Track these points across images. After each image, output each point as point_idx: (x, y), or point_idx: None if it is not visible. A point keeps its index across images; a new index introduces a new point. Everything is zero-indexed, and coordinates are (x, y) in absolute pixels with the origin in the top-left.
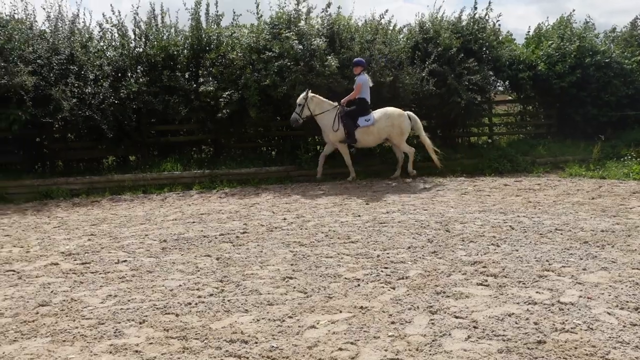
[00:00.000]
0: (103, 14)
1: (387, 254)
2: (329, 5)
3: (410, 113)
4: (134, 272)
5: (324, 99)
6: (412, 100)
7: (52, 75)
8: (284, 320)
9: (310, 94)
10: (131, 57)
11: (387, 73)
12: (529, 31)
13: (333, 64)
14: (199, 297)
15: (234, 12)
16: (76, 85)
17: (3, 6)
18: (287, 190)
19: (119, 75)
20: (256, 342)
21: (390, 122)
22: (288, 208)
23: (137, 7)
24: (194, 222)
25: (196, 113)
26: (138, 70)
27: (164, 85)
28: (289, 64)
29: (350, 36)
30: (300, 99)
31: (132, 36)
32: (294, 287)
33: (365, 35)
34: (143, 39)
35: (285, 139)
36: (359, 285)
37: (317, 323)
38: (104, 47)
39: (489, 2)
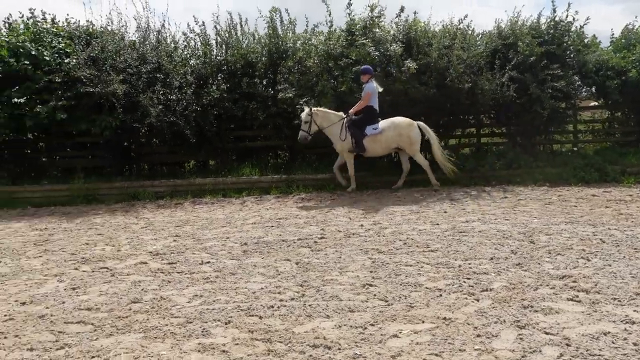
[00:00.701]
0: (188, 24)
1: (469, 264)
2: (402, 10)
3: (421, 123)
4: (218, 274)
5: (329, 111)
6: (491, 106)
7: (140, 83)
8: (366, 328)
9: (314, 109)
10: (212, 65)
11: (465, 79)
12: (613, 34)
13: (412, 65)
14: (281, 300)
15: (307, 18)
16: (162, 92)
17: (100, 18)
18: (362, 196)
19: (201, 82)
20: (339, 349)
21: (397, 131)
22: (364, 214)
23: (217, 17)
24: (272, 226)
25: (273, 119)
26: (219, 78)
27: (243, 92)
28: None
29: (427, 42)
30: (305, 116)
31: (214, 44)
32: (375, 295)
33: (443, 40)
34: (224, 47)
35: None
36: (440, 295)
37: (400, 332)
38: (188, 56)
39: (569, 4)
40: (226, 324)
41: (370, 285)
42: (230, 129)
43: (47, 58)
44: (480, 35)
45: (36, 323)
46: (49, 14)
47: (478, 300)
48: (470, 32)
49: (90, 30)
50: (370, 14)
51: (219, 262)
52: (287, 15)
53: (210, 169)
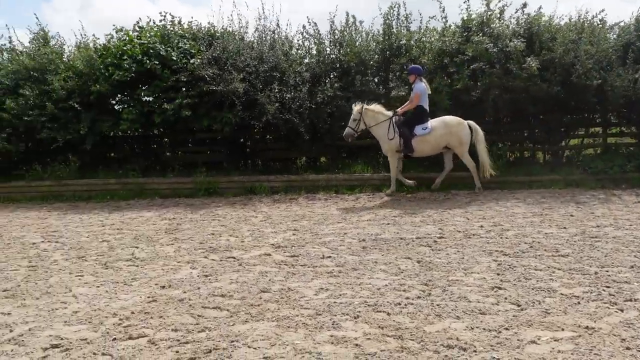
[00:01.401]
0: (303, 26)
1: (607, 271)
2: (524, 5)
3: (472, 122)
4: (340, 269)
5: (378, 110)
6: (622, 104)
7: (258, 82)
8: (500, 332)
9: (365, 107)
10: (326, 64)
11: (593, 75)
12: None
13: (533, 64)
14: (407, 298)
15: (420, 14)
16: (278, 90)
17: (221, 20)
18: (478, 196)
19: (315, 81)
20: (475, 351)
21: (448, 130)
22: (483, 215)
23: (334, 16)
24: (388, 223)
25: None
26: (331, 76)
27: (356, 90)
28: (483, 66)
29: (551, 36)
30: (355, 113)
31: (327, 43)
32: (505, 298)
33: (569, 34)
34: (337, 46)
35: None
36: (579, 303)
37: (538, 339)
38: (302, 55)
39: None
40: (355, 318)
41: (499, 288)
42: (342, 126)
43: (174, 58)
44: (612, 28)
45: (177, 306)
46: (176, 17)
47: (622, 311)
48: (599, 25)
49: (212, 31)
50: (487, 9)
51: (339, 257)
52: (404, 10)
53: (321, 166)
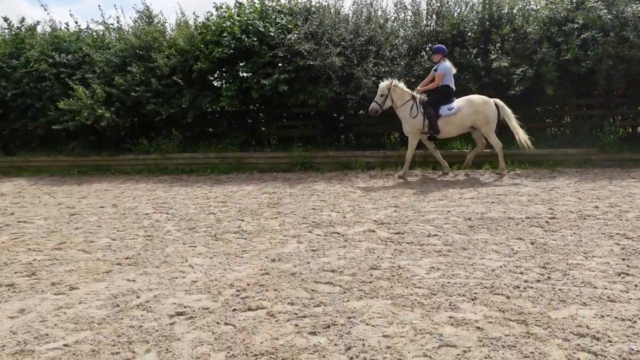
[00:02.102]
0: None
1: None
2: None
3: (498, 100)
4: (449, 248)
5: (405, 89)
6: None
7: (354, 55)
8: (635, 322)
9: (395, 83)
10: (422, 35)
11: None
12: None
13: None
14: (525, 281)
15: None
16: (374, 64)
17: None
18: (589, 175)
19: (411, 53)
20: (609, 341)
21: (473, 109)
22: (596, 195)
23: None
24: (492, 202)
25: (485, 90)
26: (428, 48)
27: (454, 62)
28: (595, 35)
29: None
30: (383, 88)
31: (424, 14)
32: (636, 286)
33: None
34: (434, 17)
35: (583, 118)
36: None
37: None
38: (397, 27)
39: None
40: (472, 300)
41: (627, 275)
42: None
43: (272, 34)
44: None
45: (290, 280)
46: None
47: None
48: None
49: (309, 6)
50: None
51: (446, 235)
52: None
53: None
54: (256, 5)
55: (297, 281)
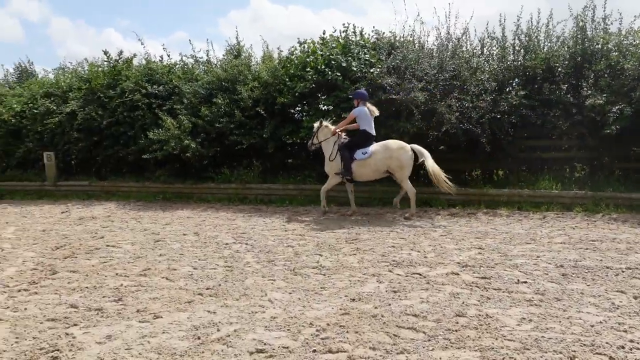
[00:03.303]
0: (486, 29)
1: None
2: None
3: (415, 146)
4: (541, 297)
5: (332, 128)
6: None
7: (437, 90)
8: None
9: (324, 123)
10: (509, 70)
11: None
12: None
13: None
14: (631, 341)
15: (620, 13)
16: (458, 99)
17: (403, 28)
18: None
19: (497, 89)
20: None
21: (388, 154)
22: None
23: (519, 19)
24: (587, 248)
25: (575, 128)
26: (514, 84)
27: (543, 98)
28: None
29: None
30: (315, 127)
31: (510, 48)
32: None
33: None
34: (522, 52)
35: None
36: None
37: None
38: (483, 62)
39: None
40: (570, 358)
41: None
42: (525, 137)
43: (354, 68)
44: None
45: (371, 322)
46: (358, 27)
47: None
48: None
49: (392, 40)
50: None
51: (537, 283)
52: (603, 10)
53: (499, 180)
54: (339, 40)
55: (378, 324)
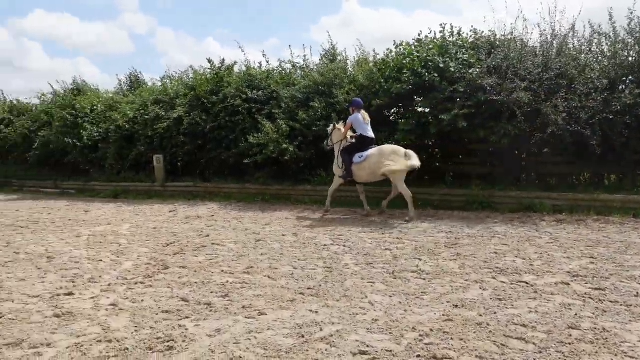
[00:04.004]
0: (592, 24)
1: None
2: None
3: (409, 151)
4: None
5: (342, 131)
6: None
7: (542, 90)
8: None
9: (337, 126)
10: (623, 67)
11: None
12: None
13: None
14: None
15: None
16: (564, 99)
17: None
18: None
19: (608, 87)
20: None
21: (381, 158)
22: None
23: (632, 13)
24: None
25: None
26: (628, 82)
27: None
28: None
29: None
30: (330, 128)
31: (623, 45)
32: None
33: None
34: (637, 47)
35: None
36: None
37: None
38: (592, 59)
39: None
40: None
41: None
42: (638, 139)
43: (452, 69)
44: None
45: (476, 330)
46: (455, 27)
47: None
48: None
49: (492, 39)
50: None
51: None
52: None
53: (611, 184)
54: (436, 41)
55: (484, 333)
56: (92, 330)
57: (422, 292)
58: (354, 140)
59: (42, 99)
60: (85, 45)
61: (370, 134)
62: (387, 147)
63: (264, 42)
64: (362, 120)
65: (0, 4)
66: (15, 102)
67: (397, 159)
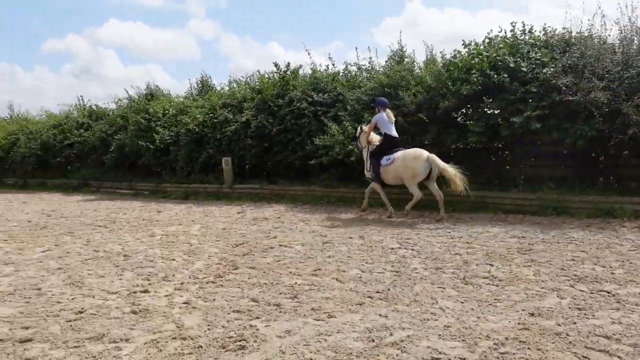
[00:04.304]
0: None
1: None
2: None
3: (432, 156)
4: None
5: (367, 134)
6: None
7: (622, 90)
8: None
9: (364, 129)
10: None
11: None
12: None
13: None
14: None
15: None
16: None
17: (580, 24)
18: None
19: None
20: None
21: (404, 163)
22: None
23: None
24: None
25: None
26: None
27: None
28: None
29: None
30: (357, 132)
31: None
32: None
33: None
34: None
35: None
36: None
37: None
38: None
39: None
40: None
41: None
42: None
43: (524, 69)
44: None
45: (555, 340)
46: (527, 25)
47: None
48: None
49: (567, 37)
50: None
51: None
52: None
53: None
54: (507, 40)
55: (563, 343)
56: (167, 327)
57: (495, 299)
58: (378, 143)
59: (118, 104)
60: (156, 52)
61: (394, 133)
62: (411, 152)
63: (327, 46)
64: (387, 120)
65: (78, 15)
66: (94, 107)
67: (419, 165)
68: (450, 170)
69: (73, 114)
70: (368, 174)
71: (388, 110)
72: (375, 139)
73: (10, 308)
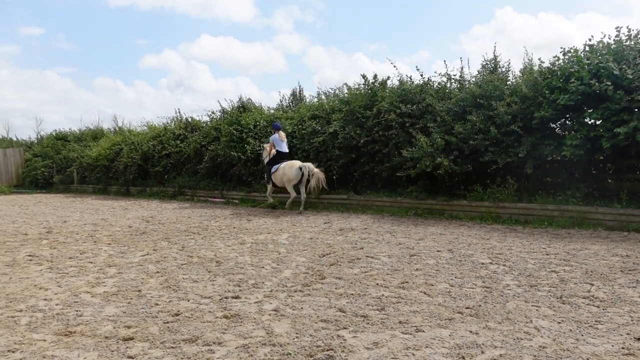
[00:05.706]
0: None
1: None
2: None
3: (307, 164)
4: None
5: (267, 149)
6: None
7: None
8: None
9: (266, 146)
10: None
11: None
12: None
13: None
14: None
15: None
16: None
17: None
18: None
19: None
20: None
21: (283, 171)
22: None
23: None
24: None
25: None
26: None
27: None
28: None
29: None
30: (264, 147)
31: None
32: None
33: None
34: None
35: None
36: None
37: None
38: None
39: None
40: None
41: None
42: None
43: (630, 76)
44: None
45: None
46: (633, 30)
47: None
48: None
49: None
50: None
51: None
52: None
53: None
54: (611, 46)
55: None
56: (257, 333)
57: (595, 321)
58: (271, 157)
59: (211, 116)
60: (245, 65)
61: (284, 149)
62: (288, 163)
63: (412, 55)
64: (279, 139)
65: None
66: (189, 120)
67: (292, 172)
68: (320, 176)
69: (170, 125)
70: (266, 179)
71: (281, 132)
72: (272, 153)
73: (114, 307)
